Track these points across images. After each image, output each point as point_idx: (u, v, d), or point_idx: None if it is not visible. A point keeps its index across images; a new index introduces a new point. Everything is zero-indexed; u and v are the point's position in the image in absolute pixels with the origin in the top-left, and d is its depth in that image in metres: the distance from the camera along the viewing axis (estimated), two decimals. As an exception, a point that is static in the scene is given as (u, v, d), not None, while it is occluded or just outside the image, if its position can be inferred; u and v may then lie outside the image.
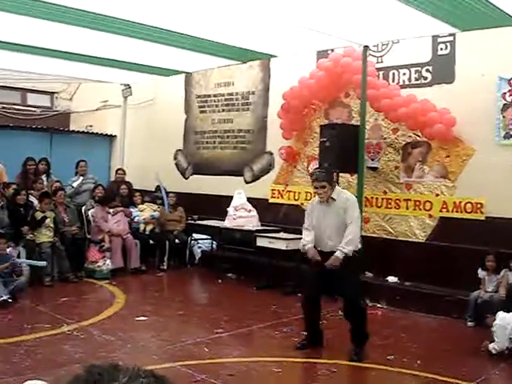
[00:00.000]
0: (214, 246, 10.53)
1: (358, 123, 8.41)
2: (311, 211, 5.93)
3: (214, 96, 11.56)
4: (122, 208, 10.11)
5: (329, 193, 5.77)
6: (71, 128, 13.71)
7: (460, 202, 8.09)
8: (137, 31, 7.37)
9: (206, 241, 10.72)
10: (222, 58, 8.95)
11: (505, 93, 7.73)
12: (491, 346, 5.76)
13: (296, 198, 10.02)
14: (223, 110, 11.41)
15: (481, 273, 7.22)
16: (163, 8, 6.53)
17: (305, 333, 6.05)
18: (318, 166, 6.19)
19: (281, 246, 8.69)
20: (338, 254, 5.62)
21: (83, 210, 10.13)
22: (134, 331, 6.43)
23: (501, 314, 5.86)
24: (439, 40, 8.32)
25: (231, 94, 11.26)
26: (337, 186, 6.03)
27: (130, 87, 12.00)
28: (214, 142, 11.56)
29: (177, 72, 10.50)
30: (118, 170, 11.76)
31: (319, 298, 5.90)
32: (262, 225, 9.68)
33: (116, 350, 5.68)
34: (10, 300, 7.25)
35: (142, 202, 10.82)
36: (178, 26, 7.26)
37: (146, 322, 6.83)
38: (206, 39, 7.73)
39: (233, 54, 8.74)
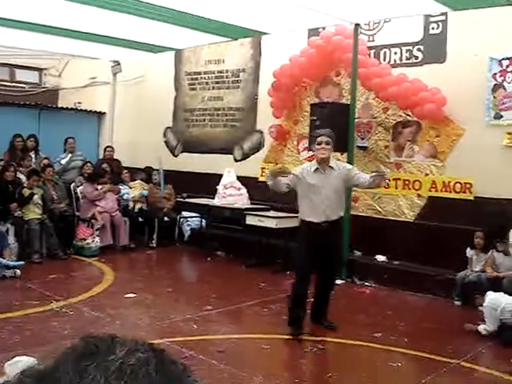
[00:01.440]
0: (204, 224, 10.52)
1: (349, 102, 8.40)
2: (302, 176, 5.66)
3: (204, 73, 11.48)
4: (109, 186, 10.04)
5: (328, 154, 5.68)
6: (60, 105, 13.56)
7: (449, 182, 8.12)
8: (126, 6, 7.28)
9: (195, 219, 10.70)
10: (213, 34, 8.87)
11: (495, 73, 7.72)
12: (481, 327, 5.81)
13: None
14: (213, 88, 11.34)
15: (469, 252, 7.27)
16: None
17: (289, 318, 5.84)
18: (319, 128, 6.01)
19: (270, 224, 8.70)
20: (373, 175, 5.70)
21: (72, 187, 10.09)
22: (123, 308, 6.45)
23: (490, 295, 5.90)
24: (431, 19, 8.28)
25: (221, 72, 11.18)
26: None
27: (119, 64, 11.88)
28: (204, 120, 11.50)
29: (167, 49, 10.40)
30: (107, 147, 11.70)
31: (310, 274, 5.82)
32: (251, 203, 9.67)
33: (105, 326, 5.68)
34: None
35: (131, 180, 10.78)
36: (167, 1, 7.17)
37: (135, 299, 6.84)
38: (196, 15, 7.65)
39: (223, 31, 8.66)
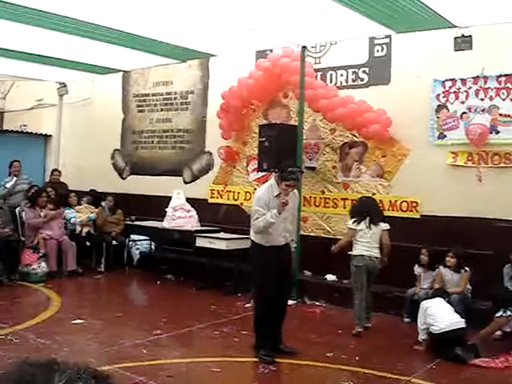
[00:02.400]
0: (153, 247, 10.41)
1: (297, 123, 8.48)
2: (267, 204, 5.61)
3: (153, 95, 11.44)
4: (53, 212, 9.76)
5: None
6: (5, 127, 13.29)
7: (396, 201, 8.26)
8: (72, 27, 7.21)
9: (144, 242, 10.58)
10: (161, 56, 8.87)
11: (439, 94, 7.93)
12: (419, 337, 5.94)
13: (235, 197, 10.01)
14: (162, 110, 11.30)
15: (417, 269, 7.40)
16: (100, 4, 6.42)
17: (258, 341, 5.76)
18: (292, 164, 5.96)
19: (221, 245, 8.67)
20: (294, 250, 6.04)
21: (17, 212, 9.84)
22: (71, 334, 6.28)
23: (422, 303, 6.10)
24: (376, 42, 8.47)
25: (170, 94, 11.16)
26: None
27: (65, 85, 11.76)
28: (153, 142, 11.43)
29: (114, 70, 10.34)
30: (54, 170, 11.51)
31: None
32: (201, 225, 9.62)
33: (52, 353, 5.50)
34: None
35: (78, 204, 10.60)
36: (115, 23, 7.14)
37: (83, 325, 6.68)
38: (144, 37, 7.64)
39: (171, 53, 8.66)
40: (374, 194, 8.45)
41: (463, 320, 5.86)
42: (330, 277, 8.48)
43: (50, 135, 12.87)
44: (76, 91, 11.96)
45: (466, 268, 7.01)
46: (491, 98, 7.55)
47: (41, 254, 9.21)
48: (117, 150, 12.04)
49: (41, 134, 12.99)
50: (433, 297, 6.22)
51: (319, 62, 9.09)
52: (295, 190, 5.94)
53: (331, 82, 8.95)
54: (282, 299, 5.89)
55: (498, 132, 7.48)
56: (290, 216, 5.85)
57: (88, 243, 10.21)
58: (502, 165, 7.45)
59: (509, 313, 5.99)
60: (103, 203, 10.59)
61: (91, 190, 11.15)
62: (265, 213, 5.55)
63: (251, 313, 6.26)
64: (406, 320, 7.16)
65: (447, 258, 7.09)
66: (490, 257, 7.08)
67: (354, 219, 7.00)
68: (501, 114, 7.47)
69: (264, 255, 5.69)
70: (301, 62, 8.33)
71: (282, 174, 5.61)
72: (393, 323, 7.21)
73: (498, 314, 6.02)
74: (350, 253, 6.98)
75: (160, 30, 7.46)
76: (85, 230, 10.28)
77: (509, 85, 7.42)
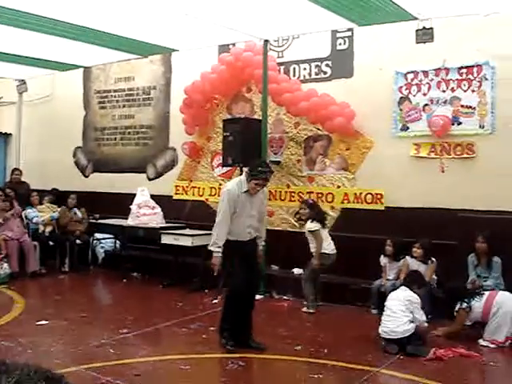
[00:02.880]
0: (118, 245, 10.28)
1: (261, 118, 8.46)
2: (234, 200, 5.63)
3: (115, 91, 11.29)
4: (9, 213, 9.55)
5: None
6: (-37, 126, 12.99)
7: (360, 194, 8.30)
8: (31, 23, 7.06)
9: (108, 240, 10.45)
10: (122, 52, 8.74)
11: (401, 86, 8.00)
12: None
13: (200, 193, 9.95)
14: (124, 106, 11.16)
15: (382, 260, 7.47)
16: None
17: (225, 332, 5.80)
18: (263, 162, 5.98)
19: (186, 242, 8.60)
20: (261, 248, 6.03)
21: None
22: (35, 336, 6.14)
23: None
24: (338, 35, 8.49)
25: (132, 89, 11.03)
26: None
27: (25, 83, 11.51)
28: (115, 139, 11.29)
29: (75, 66, 10.16)
30: (14, 170, 11.30)
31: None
32: (166, 222, 9.54)
33: (16, 356, 5.38)
34: None
35: (41, 203, 10.41)
36: (74, 18, 7.00)
37: (48, 326, 6.55)
38: (105, 32, 7.51)
39: (133, 48, 8.55)
40: (338, 186, 8.49)
41: (402, 330, 5.64)
42: (297, 270, 8.49)
43: (10, 134, 12.61)
44: (36, 88, 11.73)
45: (433, 259, 7.10)
46: (453, 90, 7.64)
47: (2, 255, 9.02)
48: (79, 147, 11.86)
49: (0, 133, 12.71)
50: (401, 285, 6.22)
51: (282, 56, 9.08)
52: (264, 188, 5.93)
53: (294, 75, 8.95)
54: (249, 294, 5.88)
55: (459, 123, 7.57)
56: (257, 214, 5.84)
57: (51, 243, 10.03)
58: (465, 155, 7.54)
59: (465, 304, 6.08)
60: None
61: (53, 189, 10.96)
62: (229, 212, 5.60)
63: (219, 309, 6.23)
64: (373, 312, 7.20)
65: (414, 249, 7.17)
66: (454, 247, 7.16)
67: (319, 222, 7.48)
68: (462, 106, 7.56)
69: (228, 249, 5.67)
70: (263, 55, 8.30)
71: (252, 173, 5.62)
72: (360, 315, 7.24)
73: (456, 308, 6.12)
74: (324, 251, 7.44)
75: (121, 25, 7.33)
76: (48, 229, 10.10)
77: (470, 76, 7.51)
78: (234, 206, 5.63)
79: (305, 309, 7.42)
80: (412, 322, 5.68)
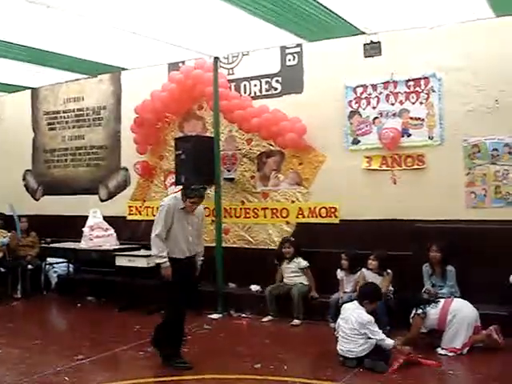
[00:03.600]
0: (71, 269, 10.06)
1: (213, 135, 8.43)
2: (170, 216, 5.73)
3: (64, 112, 11.12)
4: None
5: None
6: None
7: (315, 208, 8.33)
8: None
9: (61, 264, 10.21)
10: (70, 71, 8.60)
11: (351, 100, 8.08)
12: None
13: (154, 213, 9.76)
14: (74, 127, 10.99)
15: (339, 273, 7.51)
16: (4, 19, 6.12)
17: (169, 351, 5.85)
18: (195, 183, 6.00)
19: (141, 263, 8.44)
20: (200, 263, 6.08)
21: None
22: (-14, 366, 5.95)
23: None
24: (287, 51, 8.55)
25: (81, 110, 10.87)
26: None
27: (-30, 105, 11.26)
28: (66, 160, 11.09)
29: (22, 88, 9.96)
30: (-39, 194, 10.97)
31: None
32: (120, 243, 9.38)
33: (-34, 388, 5.21)
34: None
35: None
36: (21, 39, 6.85)
37: (0, 355, 6.35)
38: (51, 51, 7.36)
39: (81, 68, 8.42)
40: (293, 201, 8.50)
41: (360, 349, 5.60)
42: (255, 287, 8.45)
43: (-44, 157, 12.27)
44: (-18, 111, 11.48)
45: (388, 270, 7.14)
46: (401, 102, 7.75)
47: None
48: (28, 170, 11.62)
49: None
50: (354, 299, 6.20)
51: (232, 73, 9.08)
52: (200, 206, 6.02)
53: (245, 92, 8.96)
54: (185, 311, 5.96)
55: (409, 135, 7.68)
56: (195, 231, 5.94)
57: (2, 269, 9.75)
58: (415, 166, 7.64)
59: (420, 310, 6.13)
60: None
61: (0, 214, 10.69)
62: (163, 228, 5.68)
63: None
64: (332, 325, 7.15)
65: (369, 261, 7.21)
66: (409, 257, 7.23)
67: None
68: (411, 118, 7.68)
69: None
70: (214, 73, 8.29)
71: (186, 192, 5.77)
72: (319, 329, 7.22)
73: (411, 315, 6.16)
74: None
75: (67, 44, 7.19)
76: (-2, 255, 9.83)
77: (417, 89, 7.64)
78: (171, 221, 5.73)
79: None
80: (370, 338, 5.66)
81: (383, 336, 5.67)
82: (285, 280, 7.99)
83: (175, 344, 5.87)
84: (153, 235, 5.72)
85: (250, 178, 8.91)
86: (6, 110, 11.72)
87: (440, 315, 6.11)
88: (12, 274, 9.75)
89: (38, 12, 5.81)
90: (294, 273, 7.93)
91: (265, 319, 7.77)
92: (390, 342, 5.65)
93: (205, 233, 8.81)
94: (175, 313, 5.86)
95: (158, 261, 5.72)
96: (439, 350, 6.03)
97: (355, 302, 5.96)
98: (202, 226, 6.22)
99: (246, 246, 8.86)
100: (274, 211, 8.66)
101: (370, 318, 5.71)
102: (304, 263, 7.91)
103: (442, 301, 6.25)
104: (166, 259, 5.66)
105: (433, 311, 6.14)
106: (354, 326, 5.66)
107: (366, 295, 5.95)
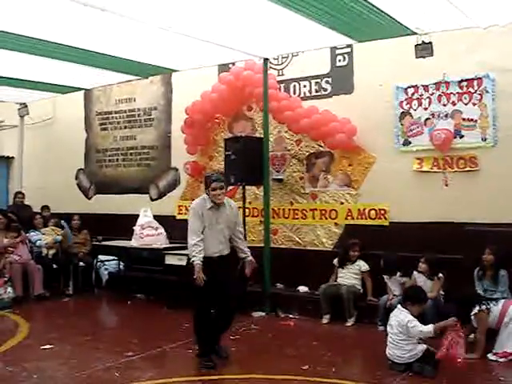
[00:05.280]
0: (122, 267, 10.22)
1: (262, 136, 8.45)
2: (200, 216, 5.73)
3: (116, 113, 11.32)
4: (17, 240, 9.54)
5: (224, 197, 5.85)
6: (-35, 151, 13.01)
7: (364, 209, 8.26)
8: (31, 47, 7.08)
9: (112, 262, 10.38)
10: (123, 73, 8.77)
11: (402, 101, 7.99)
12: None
13: (203, 213, 9.89)
14: (125, 127, 11.19)
15: (385, 276, 7.40)
16: (58, 22, 6.29)
17: (200, 349, 5.91)
18: (212, 174, 6.03)
19: (190, 262, 8.52)
20: (251, 258, 6.02)
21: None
22: (40, 361, 6.10)
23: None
24: (337, 52, 8.51)
25: (133, 111, 11.06)
26: None
27: (26, 106, 11.57)
28: (117, 160, 11.30)
29: (75, 89, 10.18)
30: (17, 193, 11.30)
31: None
32: (170, 242, 9.49)
33: (20, 381, 5.35)
34: None
35: (44, 226, 10.38)
36: (74, 41, 7.02)
37: (53, 351, 6.50)
38: (104, 54, 7.53)
39: (133, 69, 8.58)
40: (342, 203, 8.46)
41: (408, 355, 5.52)
42: (303, 288, 8.44)
43: (12, 157, 12.63)
44: (37, 111, 11.79)
45: (440, 275, 6.98)
46: (454, 103, 7.63)
47: (6, 279, 8.98)
48: (81, 169, 11.88)
49: (2, 157, 12.76)
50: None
51: (282, 74, 9.10)
52: (231, 202, 6.02)
53: (295, 93, 8.96)
54: (221, 313, 5.90)
55: (462, 136, 7.55)
56: (226, 229, 5.87)
57: (55, 266, 9.99)
58: (468, 169, 7.51)
59: (484, 306, 5.98)
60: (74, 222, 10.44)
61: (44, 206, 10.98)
62: (199, 229, 5.70)
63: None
64: (381, 328, 7.11)
65: (419, 264, 7.09)
66: (460, 261, 7.11)
67: None
68: (464, 119, 7.55)
69: None
70: (263, 74, 8.32)
71: (206, 184, 5.81)
72: (367, 332, 7.17)
73: (475, 311, 5.99)
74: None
75: (120, 47, 7.36)
76: (51, 252, 10.05)
77: (470, 89, 7.50)
78: (202, 221, 5.72)
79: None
80: (419, 342, 5.57)
81: (422, 327, 5.53)
82: (339, 280, 7.93)
83: (206, 342, 5.87)
84: (191, 242, 5.70)
85: (299, 179, 8.90)
86: (60, 110, 11.99)
87: (500, 314, 5.98)
88: (64, 270, 9.96)
89: (93, 15, 5.94)
90: (353, 275, 7.85)
91: (324, 321, 7.68)
92: (429, 327, 5.50)
93: (253, 233, 8.98)
94: (201, 311, 5.89)
95: (191, 261, 5.69)
96: (490, 356, 5.89)
97: (399, 305, 5.90)
98: (237, 224, 6.08)
99: (294, 247, 8.86)
100: (323, 212, 8.63)
101: (409, 316, 5.60)
102: (366, 266, 7.85)
103: (502, 301, 6.13)
104: (197, 260, 5.61)
105: (495, 308, 6.01)
106: (397, 330, 5.60)
107: (408, 297, 5.87)
